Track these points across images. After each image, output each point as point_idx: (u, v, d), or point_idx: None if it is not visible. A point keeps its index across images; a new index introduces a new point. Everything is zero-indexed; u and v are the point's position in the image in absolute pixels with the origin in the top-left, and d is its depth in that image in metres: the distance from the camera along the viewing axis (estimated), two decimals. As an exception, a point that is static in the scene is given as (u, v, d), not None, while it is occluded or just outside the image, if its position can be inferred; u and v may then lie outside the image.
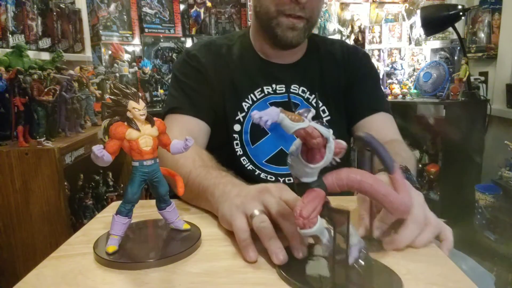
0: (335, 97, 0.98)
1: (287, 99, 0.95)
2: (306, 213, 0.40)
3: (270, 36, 0.91)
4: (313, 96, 0.96)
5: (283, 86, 0.95)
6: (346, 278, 0.42)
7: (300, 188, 0.43)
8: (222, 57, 0.97)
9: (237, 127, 0.93)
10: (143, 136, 0.52)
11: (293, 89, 0.95)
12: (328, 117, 0.96)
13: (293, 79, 0.96)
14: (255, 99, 0.94)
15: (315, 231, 0.41)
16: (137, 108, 0.51)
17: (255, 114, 0.37)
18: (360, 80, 1.00)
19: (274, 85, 0.95)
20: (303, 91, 0.96)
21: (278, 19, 0.87)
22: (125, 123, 0.51)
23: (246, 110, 0.94)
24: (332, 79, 0.99)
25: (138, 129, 0.51)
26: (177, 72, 0.99)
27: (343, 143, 0.45)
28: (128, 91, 0.50)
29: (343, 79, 0.99)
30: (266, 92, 0.94)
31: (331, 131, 0.41)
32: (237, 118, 0.93)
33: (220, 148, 0.94)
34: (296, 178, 0.43)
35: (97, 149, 0.47)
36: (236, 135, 0.93)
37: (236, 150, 0.94)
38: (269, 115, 0.36)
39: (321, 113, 0.96)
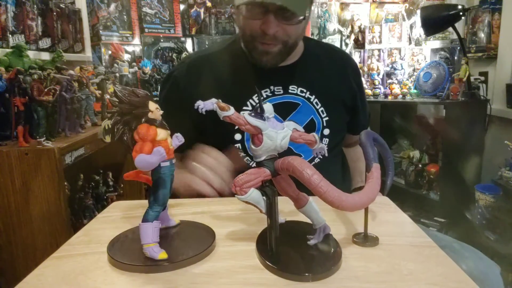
0: (333, 98, 0.99)
1: (286, 100, 0.95)
2: (238, 182, 0.48)
3: (249, 56, 0.92)
4: (314, 96, 0.96)
5: (281, 87, 0.95)
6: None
7: (256, 166, 0.52)
8: (210, 72, 0.97)
9: (237, 136, 0.93)
10: (169, 135, 0.52)
11: (292, 90, 0.95)
12: (327, 118, 0.96)
13: (291, 80, 0.96)
14: (254, 104, 0.93)
15: (246, 198, 0.49)
16: (159, 108, 0.51)
17: (199, 104, 0.49)
18: (358, 93, 1.04)
19: (272, 87, 0.95)
20: (301, 91, 0.96)
21: (253, 44, 0.88)
22: (149, 124, 0.50)
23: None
24: (330, 80, 1.00)
25: (167, 129, 0.52)
26: (163, 98, 1.02)
27: (309, 136, 0.54)
28: (141, 92, 0.50)
29: (341, 82, 1.01)
30: (264, 96, 0.94)
31: (266, 123, 0.50)
32: (236, 127, 0.92)
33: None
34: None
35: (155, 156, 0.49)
36: (238, 144, 0.93)
37: (241, 156, 0.93)
38: (206, 104, 0.49)
39: (321, 113, 0.96)
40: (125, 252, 0.54)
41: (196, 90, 0.95)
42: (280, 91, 0.95)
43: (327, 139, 0.96)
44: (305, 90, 0.96)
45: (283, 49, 0.88)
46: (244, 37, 0.91)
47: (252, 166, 0.95)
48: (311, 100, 0.96)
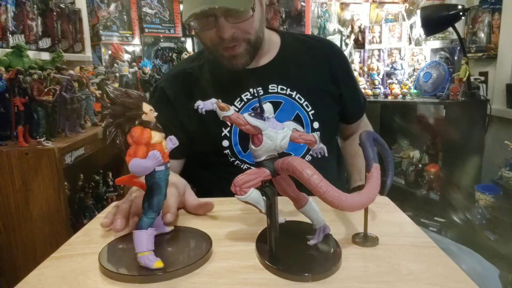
0: (316, 90, 0.98)
1: (267, 100, 0.92)
2: (238, 182, 0.48)
3: (221, 64, 0.91)
4: (295, 92, 0.95)
5: (261, 88, 0.94)
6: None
7: (256, 167, 0.53)
8: (193, 83, 0.97)
9: (225, 143, 0.93)
10: (163, 138, 0.50)
11: (272, 89, 0.95)
12: (313, 111, 0.95)
13: (270, 78, 0.95)
14: (237, 109, 0.93)
15: (246, 198, 0.49)
16: (153, 109, 0.48)
17: (199, 104, 0.49)
18: (343, 80, 1.01)
19: (252, 90, 0.94)
20: (282, 89, 0.95)
21: (218, 52, 0.88)
22: (143, 127, 0.48)
23: (229, 124, 0.91)
24: (310, 73, 0.98)
25: (162, 131, 0.49)
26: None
27: (309, 136, 0.54)
28: (135, 93, 0.48)
29: (323, 73, 1.00)
30: (245, 100, 0.94)
31: (266, 123, 0.50)
32: (223, 134, 0.93)
33: (214, 161, 0.95)
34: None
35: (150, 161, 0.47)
36: (226, 151, 0.93)
37: (231, 160, 0.94)
38: (206, 104, 0.49)
39: (306, 107, 0.95)
40: (118, 261, 0.52)
41: (181, 100, 0.95)
42: (260, 92, 0.94)
43: (319, 133, 0.95)
44: (285, 88, 0.95)
45: (248, 46, 0.87)
46: (208, 49, 0.91)
47: (245, 168, 0.95)
48: (293, 96, 0.95)
